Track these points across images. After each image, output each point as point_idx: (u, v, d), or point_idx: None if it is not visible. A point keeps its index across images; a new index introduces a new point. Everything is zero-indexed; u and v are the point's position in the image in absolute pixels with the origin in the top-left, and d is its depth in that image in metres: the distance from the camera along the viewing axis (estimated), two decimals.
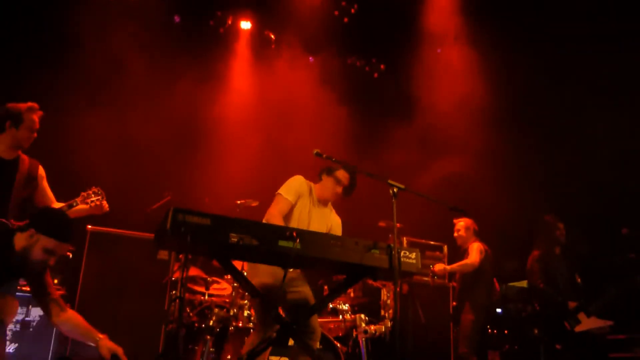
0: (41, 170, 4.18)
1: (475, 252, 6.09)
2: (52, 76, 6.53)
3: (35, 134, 4.05)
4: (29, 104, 4.03)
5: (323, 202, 4.24)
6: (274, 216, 3.89)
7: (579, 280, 6.06)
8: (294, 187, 4.06)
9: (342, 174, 4.17)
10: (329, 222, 4.26)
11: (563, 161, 7.33)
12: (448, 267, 6.20)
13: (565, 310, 5.77)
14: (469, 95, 7.77)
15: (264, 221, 3.92)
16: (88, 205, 4.17)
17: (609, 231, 6.65)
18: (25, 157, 4.10)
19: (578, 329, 5.66)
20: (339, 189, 4.16)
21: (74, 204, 4.11)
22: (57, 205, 4.13)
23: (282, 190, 4.03)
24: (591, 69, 6.96)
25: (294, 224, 4.01)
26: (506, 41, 7.61)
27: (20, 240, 3.21)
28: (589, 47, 6.94)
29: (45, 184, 4.20)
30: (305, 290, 4.04)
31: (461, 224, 6.37)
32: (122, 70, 6.95)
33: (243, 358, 3.43)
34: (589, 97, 6.94)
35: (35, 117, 4.01)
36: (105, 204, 4.25)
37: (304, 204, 4.09)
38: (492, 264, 6.18)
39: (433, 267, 6.17)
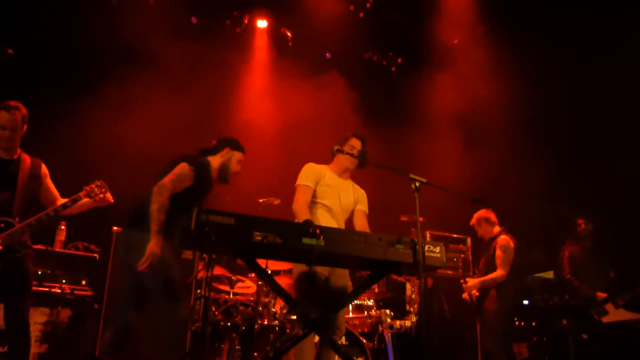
0: (44, 169, 4.22)
1: (502, 261, 5.84)
2: (67, 76, 6.62)
3: (7, 133, 3.94)
4: (5, 102, 3.98)
5: (344, 175, 4.32)
6: (300, 205, 4.01)
7: (612, 275, 6.04)
8: (309, 173, 4.18)
9: (353, 141, 4.28)
10: (355, 194, 4.34)
11: (593, 150, 7.20)
12: (478, 281, 5.91)
13: (593, 301, 5.74)
14: (494, 87, 7.68)
15: (293, 210, 4.04)
16: (92, 199, 4.15)
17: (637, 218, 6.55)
18: (26, 157, 4.12)
19: (606, 320, 5.61)
20: (354, 159, 4.22)
21: (78, 199, 4.09)
22: (62, 201, 4.15)
23: (300, 180, 4.16)
24: (618, 61, 6.84)
25: (327, 200, 4.10)
26: (526, 32, 7.51)
27: (216, 160, 4.13)
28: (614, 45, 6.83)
29: (49, 181, 4.23)
30: (346, 276, 4.11)
31: (473, 219, 6.30)
32: (142, 70, 7.01)
33: (269, 355, 3.44)
34: (622, 82, 6.81)
35: (4, 115, 3.93)
36: (109, 196, 4.22)
37: (327, 182, 4.17)
38: (519, 256, 6.08)
39: (466, 281, 6.00)
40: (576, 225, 6.34)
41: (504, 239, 5.96)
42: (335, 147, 4.25)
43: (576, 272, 6.06)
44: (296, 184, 4.16)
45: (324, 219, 4.07)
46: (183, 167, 3.87)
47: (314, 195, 4.14)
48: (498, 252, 5.90)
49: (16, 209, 3.92)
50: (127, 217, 3.92)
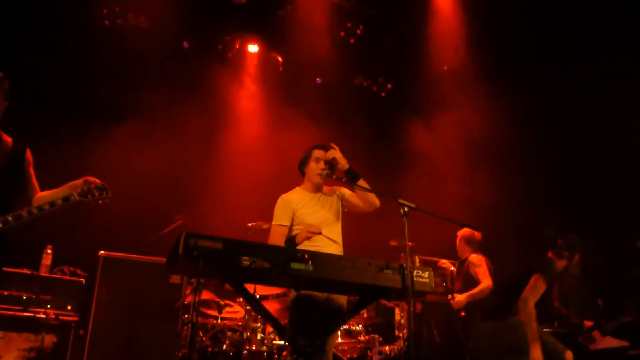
0: (29, 156, 3.58)
1: (482, 274, 5.86)
2: (65, 106, 6.63)
3: None
4: None
5: (319, 190, 4.22)
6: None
7: (600, 303, 6.07)
8: (280, 210, 4.07)
9: (317, 153, 4.18)
10: (335, 201, 4.23)
11: (578, 175, 7.27)
12: (466, 296, 5.82)
13: (580, 329, 5.77)
14: (485, 114, 7.77)
15: None
16: (86, 200, 3.47)
17: (624, 244, 6.59)
18: (7, 139, 3.50)
19: (593, 347, 5.63)
20: (322, 166, 4.12)
21: (68, 199, 3.42)
22: (42, 194, 3.53)
23: (274, 220, 4.06)
24: (596, 84, 6.96)
25: (313, 221, 3.98)
26: (512, 60, 7.63)
27: (560, 263, 4.83)
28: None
29: (32, 170, 3.59)
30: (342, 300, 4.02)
31: (458, 237, 6.26)
32: (132, 94, 7.05)
33: None
34: (601, 113, 6.91)
35: None
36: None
37: (303, 207, 4.07)
38: (493, 275, 6.05)
39: (454, 297, 5.91)
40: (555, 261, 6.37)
41: (475, 257, 5.95)
42: (301, 166, 4.26)
43: (564, 301, 6.10)
44: (272, 223, 4.07)
45: (315, 241, 3.98)
46: (538, 281, 4.65)
47: (299, 223, 4.04)
48: (473, 270, 5.88)
49: None
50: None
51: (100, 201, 3.53)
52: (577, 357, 5.64)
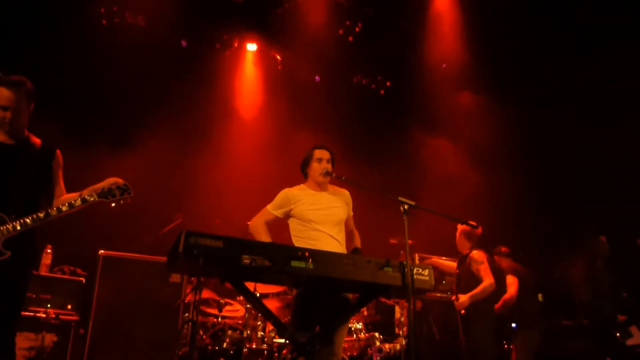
0: (58, 158, 3.56)
1: (484, 271, 5.82)
2: (63, 107, 6.62)
3: (10, 114, 3.28)
4: (6, 77, 3.33)
5: (322, 187, 4.23)
6: (256, 226, 4.06)
7: (624, 295, 6.02)
8: (278, 202, 4.15)
9: (318, 153, 4.22)
10: (341, 201, 4.25)
11: (578, 175, 7.27)
12: (468, 296, 5.70)
13: (614, 323, 5.69)
14: (479, 109, 7.78)
15: (250, 228, 4.09)
16: (108, 201, 3.44)
17: (624, 242, 6.60)
18: (36, 141, 3.48)
19: (630, 342, 5.56)
20: (325, 165, 4.17)
21: (89, 200, 3.39)
22: (68, 197, 3.48)
23: (269, 205, 4.16)
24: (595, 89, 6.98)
25: (313, 222, 4.02)
26: (512, 60, 7.64)
27: None
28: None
29: (60, 173, 3.57)
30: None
31: (458, 232, 6.21)
32: (131, 94, 7.05)
33: None
34: (601, 113, 6.93)
35: (4, 93, 3.26)
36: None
37: (305, 202, 4.10)
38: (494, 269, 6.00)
39: (457, 298, 5.85)
40: (599, 242, 6.27)
41: (476, 254, 5.85)
42: (304, 167, 4.30)
43: (595, 294, 5.99)
44: (266, 206, 4.16)
45: (318, 239, 4.00)
46: None
47: (301, 219, 4.07)
48: (475, 266, 5.78)
49: (14, 202, 3.24)
50: None
51: (122, 201, 3.50)
52: (611, 352, 5.57)
